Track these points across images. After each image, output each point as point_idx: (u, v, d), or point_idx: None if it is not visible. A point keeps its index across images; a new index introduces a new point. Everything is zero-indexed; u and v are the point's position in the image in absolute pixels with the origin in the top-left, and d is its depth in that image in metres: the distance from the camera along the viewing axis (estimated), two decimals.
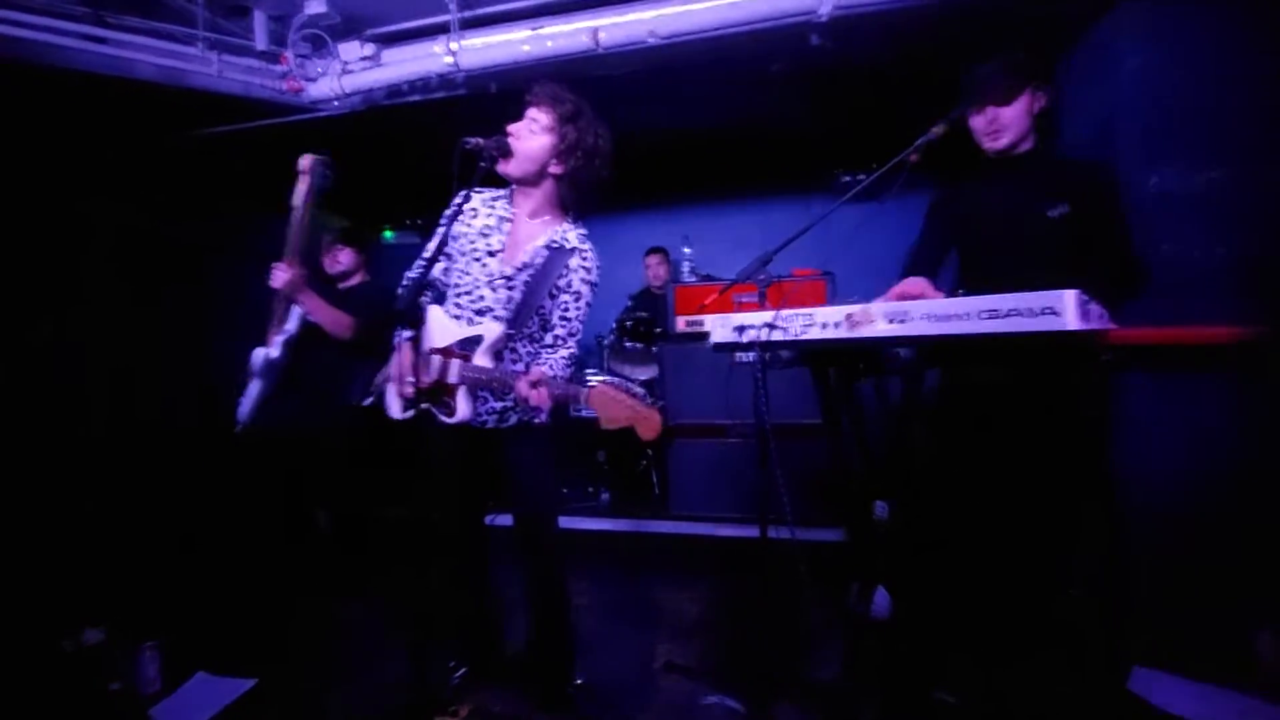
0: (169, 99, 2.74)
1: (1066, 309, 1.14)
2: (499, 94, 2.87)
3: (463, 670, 2.07)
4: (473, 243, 1.81)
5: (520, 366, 1.82)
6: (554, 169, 1.76)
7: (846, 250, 1.98)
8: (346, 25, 2.73)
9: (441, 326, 1.81)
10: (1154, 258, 2.10)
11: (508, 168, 1.73)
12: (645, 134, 3.95)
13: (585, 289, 1.79)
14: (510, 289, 1.78)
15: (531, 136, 1.74)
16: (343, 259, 2.92)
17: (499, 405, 1.83)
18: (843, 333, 1.42)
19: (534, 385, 1.57)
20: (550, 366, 1.72)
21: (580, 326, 1.81)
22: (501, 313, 1.78)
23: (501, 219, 1.83)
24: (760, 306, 1.69)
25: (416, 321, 1.46)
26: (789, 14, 2.34)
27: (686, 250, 4.55)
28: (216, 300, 3.48)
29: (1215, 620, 2.10)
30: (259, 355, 2.66)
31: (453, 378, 1.73)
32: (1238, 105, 2.16)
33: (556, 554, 1.91)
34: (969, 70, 1.84)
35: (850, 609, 1.77)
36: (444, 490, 1.96)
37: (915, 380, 1.67)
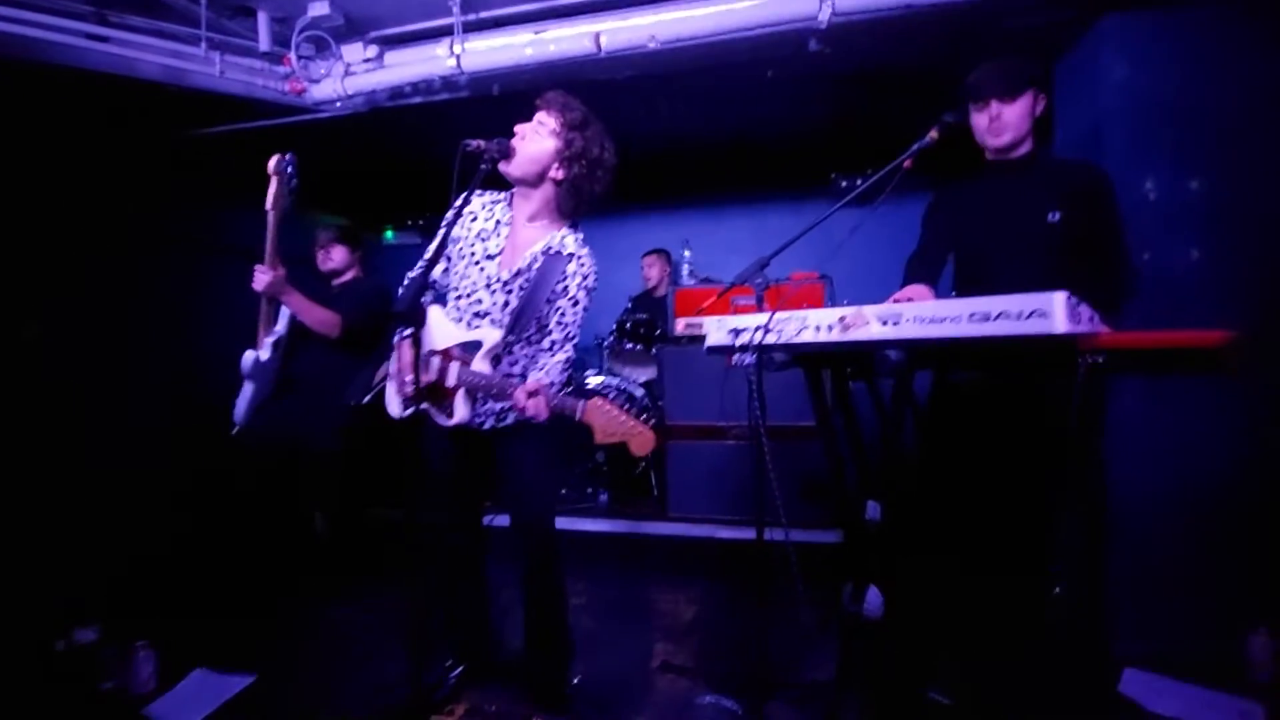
0: (171, 99, 2.75)
1: (1055, 311, 1.15)
2: (501, 96, 2.89)
3: (459, 670, 2.08)
4: (471, 246, 1.84)
5: (518, 369, 1.85)
6: (555, 174, 1.77)
7: (844, 254, 2.00)
8: (349, 27, 2.74)
9: (441, 328, 1.83)
10: (1141, 263, 2.14)
11: (509, 167, 1.74)
12: (646, 137, 3.98)
13: (582, 295, 1.80)
14: (508, 293, 1.80)
15: (537, 139, 1.76)
16: (335, 256, 2.94)
17: (497, 406, 1.84)
18: (835, 335, 1.44)
19: (531, 395, 1.60)
20: (548, 371, 1.76)
21: (577, 331, 1.83)
22: (499, 316, 1.80)
23: (499, 222, 1.84)
24: (758, 309, 1.70)
25: (417, 321, 1.47)
26: (789, 20, 2.36)
27: (686, 253, 4.57)
28: (216, 299, 3.48)
29: (1206, 622, 2.12)
30: (248, 358, 2.68)
31: (451, 381, 1.75)
32: (1221, 115, 2.20)
33: (553, 554, 1.92)
34: (974, 69, 1.86)
35: (844, 609, 1.78)
36: (441, 491, 1.98)
37: (906, 382, 1.68)
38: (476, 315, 1.83)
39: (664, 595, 2.82)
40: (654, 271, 4.59)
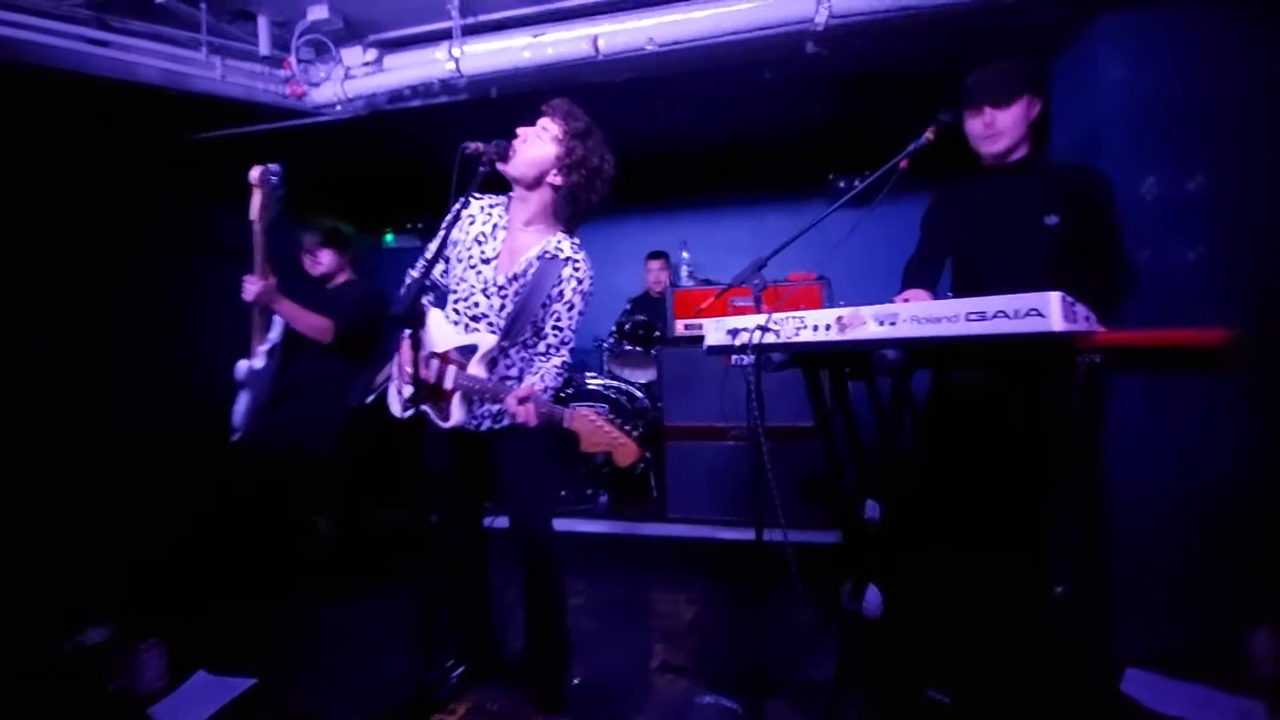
0: (172, 102, 2.77)
1: (1051, 311, 1.16)
2: (500, 99, 2.90)
3: (460, 670, 2.09)
4: (469, 249, 1.85)
5: (515, 372, 1.87)
6: (554, 179, 1.78)
7: (841, 254, 2.01)
8: (349, 30, 2.76)
9: (440, 330, 1.85)
10: (1139, 262, 2.14)
11: (507, 167, 1.75)
12: (644, 139, 4.00)
13: (578, 299, 1.81)
14: (504, 297, 1.81)
15: (539, 143, 1.77)
16: (323, 260, 2.93)
17: (494, 408, 1.85)
18: (833, 335, 1.44)
19: (522, 401, 1.63)
20: (542, 376, 1.78)
21: (573, 335, 1.85)
22: (496, 320, 1.82)
23: (496, 226, 1.85)
24: (756, 310, 1.71)
25: (416, 323, 1.48)
26: (786, 23, 2.37)
27: (685, 255, 4.58)
28: (217, 301, 3.49)
29: (1207, 621, 2.12)
30: (242, 367, 2.70)
31: (448, 384, 1.78)
32: (1220, 113, 2.20)
33: (552, 554, 1.92)
34: (969, 74, 1.86)
35: (843, 608, 1.79)
36: (441, 492, 1.99)
37: (904, 382, 1.69)
38: (473, 319, 1.84)
39: (664, 596, 2.82)
40: (664, 276, 4.59)
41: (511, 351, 1.85)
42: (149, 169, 3.37)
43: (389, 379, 1.95)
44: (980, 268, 1.93)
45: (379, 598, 2.77)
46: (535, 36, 2.66)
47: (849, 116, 3.75)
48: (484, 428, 1.89)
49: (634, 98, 3.16)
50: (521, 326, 1.78)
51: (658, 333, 4.03)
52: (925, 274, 1.97)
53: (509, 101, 2.88)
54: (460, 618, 2.11)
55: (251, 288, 2.52)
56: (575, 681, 2.00)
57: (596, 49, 2.55)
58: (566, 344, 1.84)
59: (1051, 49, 2.66)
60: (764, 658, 1.87)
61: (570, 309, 1.81)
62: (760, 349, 1.55)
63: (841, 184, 4.54)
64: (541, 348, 1.84)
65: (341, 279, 3.00)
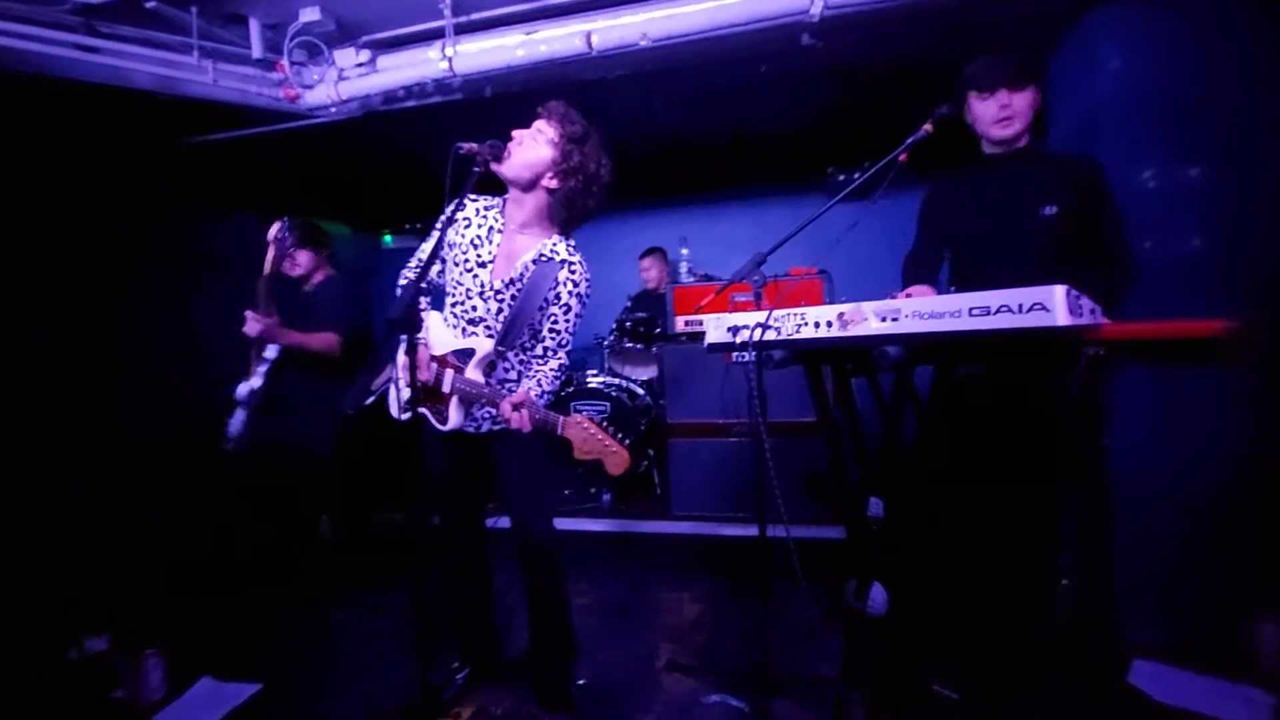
0: (165, 107, 2.75)
1: (1055, 305, 1.15)
2: (495, 98, 2.88)
3: (465, 672, 2.09)
4: (465, 253, 1.83)
5: (513, 375, 1.87)
6: (549, 183, 1.77)
7: (842, 248, 1.99)
8: (342, 32, 2.74)
9: (439, 334, 1.86)
10: (1139, 253, 2.12)
11: (502, 168, 1.73)
12: (641, 135, 3.97)
13: (574, 302, 1.80)
14: (500, 301, 1.80)
15: (534, 145, 1.76)
16: (301, 260, 2.91)
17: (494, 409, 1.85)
18: (835, 332, 1.43)
19: (516, 407, 1.64)
20: (539, 381, 1.78)
21: (570, 338, 1.85)
22: (493, 323, 1.81)
23: (492, 229, 1.84)
24: (756, 306, 1.70)
25: (413, 327, 1.47)
26: (780, 14, 2.35)
27: (684, 251, 4.57)
28: (212, 308, 3.48)
29: (1214, 612, 2.11)
30: (243, 389, 2.71)
31: (446, 387, 1.78)
32: (1219, 101, 2.18)
33: (553, 553, 1.91)
34: (973, 62, 1.85)
35: (848, 605, 1.78)
36: (443, 494, 1.99)
37: (907, 378, 1.67)
38: (470, 322, 1.84)
39: (668, 594, 2.82)
40: (653, 273, 4.58)
41: (509, 355, 1.84)
42: (142, 175, 3.36)
43: (389, 381, 1.94)
44: (978, 258, 1.92)
45: (383, 601, 2.78)
46: (528, 34, 2.64)
47: (847, 110, 3.73)
48: (483, 429, 1.89)
49: (630, 94, 3.14)
50: (519, 330, 1.78)
51: (658, 330, 4.02)
52: (926, 267, 1.96)
53: (505, 101, 2.86)
54: (463, 619, 2.11)
55: (255, 325, 2.55)
56: (580, 682, 2.00)
57: (590, 45, 2.53)
58: (564, 347, 1.84)
59: (1049, 40, 2.63)
60: (769, 656, 1.86)
61: (567, 312, 1.80)
62: (761, 346, 1.54)
63: (841, 178, 4.51)
64: (539, 351, 1.84)
65: (319, 277, 2.98)
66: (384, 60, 2.88)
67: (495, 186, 1.81)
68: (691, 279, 4.13)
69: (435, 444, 1.90)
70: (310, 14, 2.57)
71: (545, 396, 1.79)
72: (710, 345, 1.69)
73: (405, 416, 1.86)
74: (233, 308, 2.57)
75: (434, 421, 1.84)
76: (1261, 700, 1.84)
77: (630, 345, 4.07)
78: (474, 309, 1.83)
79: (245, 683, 2.14)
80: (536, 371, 1.82)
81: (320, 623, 2.66)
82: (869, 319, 1.38)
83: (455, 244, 1.85)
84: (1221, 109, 2.17)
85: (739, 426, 3.29)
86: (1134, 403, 2.21)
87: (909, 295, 1.65)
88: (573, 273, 1.78)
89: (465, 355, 1.79)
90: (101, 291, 3.11)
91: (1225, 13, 2.17)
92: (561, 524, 1.98)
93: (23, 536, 2.60)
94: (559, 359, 1.83)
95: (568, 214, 1.81)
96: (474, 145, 1.65)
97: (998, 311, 1.21)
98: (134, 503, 3.04)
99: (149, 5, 2.40)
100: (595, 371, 4.11)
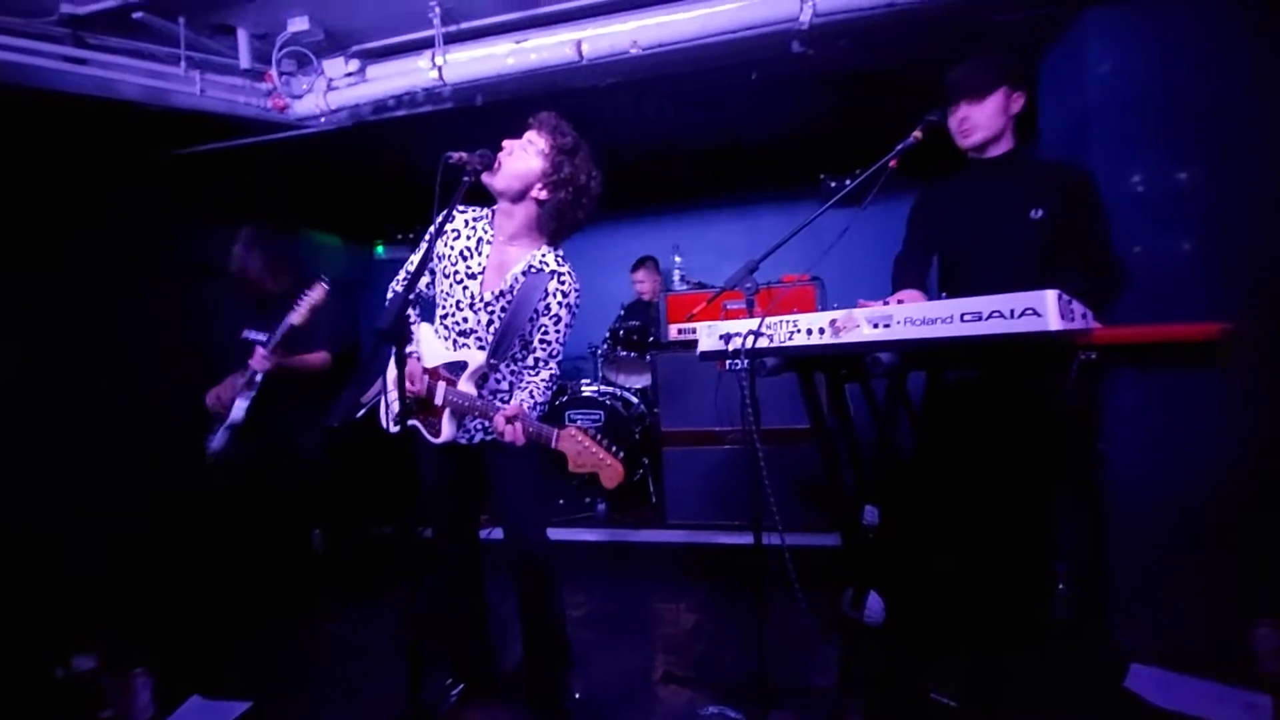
0: (153, 118, 2.73)
1: (1047, 309, 1.14)
2: (485, 107, 2.88)
3: (459, 688, 2.06)
4: (454, 265, 1.83)
5: (505, 387, 1.87)
6: (539, 194, 1.76)
7: (834, 255, 1.99)
8: (330, 42, 2.73)
9: (430, 346, 1.85)
10: (1130, 256, 2.13)
11: (493, 179, 1.73)
12: (633, 143, 3.98)
13: (565, 312, 1.80)
14: (491, 313, 1.80)
15: (524, 156, 1.75)
16: (277, 282, 2.86)
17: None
18: (827, 339, 1.42)
19: (510, 420, 1.63)
20: (531, 392, 1.78)
21: (561, 348, 1.84)
22: (484, 335, 1.81)
23: (481, 240, 1.83)
24: (749, 313, 1.69)
25: (402, 339, 1.46)
26: (770, 22, 2.35)
27: (677, 259, 4.57)
28: (200, 323, 3.45)
29: (1211, 616, 2.11)
30: (239, 409, 2.70)
31: (438, 400, 1.77)
32: (1209, 104, 2.20)
33: (548, 564, 1.90)
34: (948, 72, 1.86)
35: (844, 614, 1.77)
36: (436, 506, 1.98)
37: (900, 384, 1.67)
38: (461, 334, 1.83)
39: (665, 604, 2.80)
40: (647, 285, 4.57)
41: (501, 366, 1.84)
42: (130, 186, 3.33)
43: (379, 394, 1.92)
44: (966, 262, 1.92)
45: (375, 614, 2.74)
46: (518, 43, 2.63)
47: (838, 116, 3.74)
48: (476, 440, 1.88)
49: (621, 101, 3.14)
50: (509, 342, 1.77)
51: (651, 338, 4.01)
52: (914, 271, 1.97)
53: (497, 110, 2.86)
54: (457, 633, 2.09)
55: (264, 362, 2.62)
56: (576, 695, 1.97)
57: (580, 54, 2.53)
58: (555, 357, 1.84)
59: (1040, 43, 2.65)
60: (767, 666, 1.85)
61: (557, 322, 1.79)
62: (753, 354, 1.53)
63: (833, 184, 4.52)
64: (530, 362, 1.83)
65: (286, 283, 2.89)
66: (373, 70, 2.87)
67: (485, 198, 1.80)
68: (684, 286, 4.12)
69: (428, 456, 1.89)
70: (299, 24, 2.57)
71: (538, 408, 1.78)
72: (703, 353, 1.68)
73: (396, 430, 1.84)
74: (220, 320, 2.55)
75: (426, 434, 1.83)
76: (1260, 703, 1.84)
77: (624, 354, 4.06)
78: (464, 321, 1.82)
79: (235, 701, 2.11)
80: (528, 383, 1.81)
81: (312, 637, 2.62)
82: (861, 325, 1.37)
83: (444, 255, 1.84)
84: (1212, 111, 2.18)
85: (733, 434, 3.27)
86: (1128, 407, 2.21)
87: (900, 300, 1.64)
88: (562, 283, 1.78)
89: (457, 368, 1.78)
90: (89, 302, 3.07)
91: (1215, 15, 2.19)
92: (556, 534, 1.97)
93: (7, 551, 2.56)
94: (551, 369, 1.83)
95: (557, 225, 1.80)
96: (464, 154, 1.64)
97: (989, 317, 1.20)
98: (122, 516, 3.00)
99: (136, 16, 2.39)
100: (589, 380, 4.09)
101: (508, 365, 1.85)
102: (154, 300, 3.40)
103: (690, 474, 3.41)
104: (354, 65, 2.83)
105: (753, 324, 1.53)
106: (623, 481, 1.60)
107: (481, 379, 1.81)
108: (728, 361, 1.62)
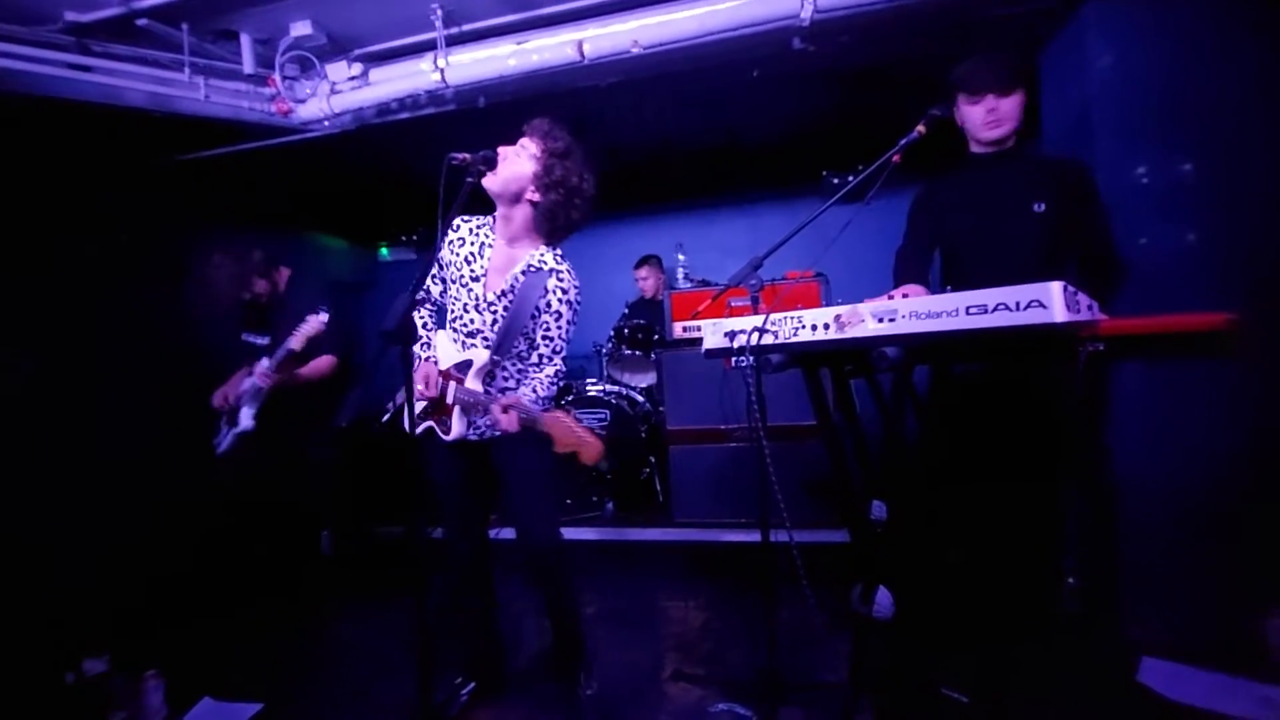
0: (158, 124, 2.75)
1: (1053, 301, 1.14)
2: (488, 108, 2.89)
3: (470, 686, 2.07)
4: (460, 270, 1.89)
5: (512, 384, 1.92)
6: (532, 196, 1.82)
7: (838, 251, 1.98)
8: (333, 46, 2.74)
9: (445, 349, 1.93)
10: (1135, 248, 2.12)
11: (491, 183, 1.77)
12: (635, 142, 3.98)
13: (565, 309, 1.84)
14: (494, 313, 1.86)
15: (517, 160, 1.81)
16: (259, 286, 2.89)
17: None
18: (832, 334, 1.42)
19: (505, 410, 1.68)
20: (534, 388, 1.83)
21: (564, 344, 1.88)
22: (489, 334, 1.87)
23: (484, 244, 1.90)
24: (753, 310, 1.69)
25: (407, 339, 1.48)
26: (771, 19, 2.36)
27: (680, 257, 4.57)
28: (204, 327, 3.47)
29: (1224, 608, 2.09)
30: (247, 417, 2.73)
31: (449, 399, 1.85)
32: (1211, 96, 2.19)
33: (561, 562, 1.92)
34: (961, 63, 1.86)
35: (853, 610, 1.76)
36: (447, 504, 2.01)
37: (906, 378, 1.66)
38: (469, 335, 1.90)
39: (673, 602, 2.80)
40: (650, 283, 4.57)
41: (507, 364, 1.90)
42: (136, 192, 3.35)
43: (401, 397, 1.98)
44: (970, 256, 1.92)
45: (385, 615, 2.76)
46: (520, 44, 2.64)
47: (840, 113, 3.74)
48: (485, 435, 1.93)
49: (623, 101, 3.15)
50: (513, 339, 1.83)
51: (656, 336, 4.01)
52: (917, 265, 1.96)
53: (499, 112, 2.87)
54: (467, 633, 2.10)
55: (266, 378, 2.67)
56: (588, 693, 1.98)
57: (581, 54, 2.54)
58: (558, 353, 1.88)
59: (1040, 37, 2.64)
60: (776, 663, 1.85)
61: (558, 319, 1.84)
62: (758, 351, 1.53)
63: (835, 180, 4.51)
64: (534, 358, 1.89)
65: (279, 289, 2.94)
66: (376, 73, 2.88)
67: (488, 202, 1.85)
68: (688, 284, 4.12)
69: (439, 455, 1.94)
70: (301, 28, 2.58)
71: (541, 402, 1.82)
72: (708, 351, 1.68)
73: (420, 430, 1.89)
74: (223, 324, 2.57)
75: (439, 432, 1.89)
76: (1274, 695, 1.82)
77: (629, 352, 4.06)
78: (471, 322, 1.88)
79: (246, 702, 2.12)
80: (533, 379, 1.87)
81: (322, 639, 2.64)
82: (866, 320, 1.37)
83: (451, 262, 1.91)
84: (1213, 104, 2.17)
85: (739, 431, 3.27)
86: (1134, 399, 2.20)
87: (904, 295, 1.64)
88: (561, 280, 1.82)
89: (464, 367, 1.85)
90: (91, 308, 3.09)
91: (1215, 8, 2.18)
92: (564, 533, 1.98)
93: (14, 557, 2.58)
94: (555, 365, 1.87)
95: (551, 226, 1.85)
96: (467, 155, 1.65)
97: (995, 309, 1.20)
98: (128, 521, 3.01)
99: (140, 23, 2.41)
100: (594, 379, 4.09)
101: (513, 363, 1.90)
102: (155, 305, 3.42)
103: (697, 472, 3.41)
104: (357, 69, 2.84)
105: (757, 321, 1.53)
106: (600, 457, 1.63)
107: (488, 376, 1.87)
108: (733, 359, 1.61)
